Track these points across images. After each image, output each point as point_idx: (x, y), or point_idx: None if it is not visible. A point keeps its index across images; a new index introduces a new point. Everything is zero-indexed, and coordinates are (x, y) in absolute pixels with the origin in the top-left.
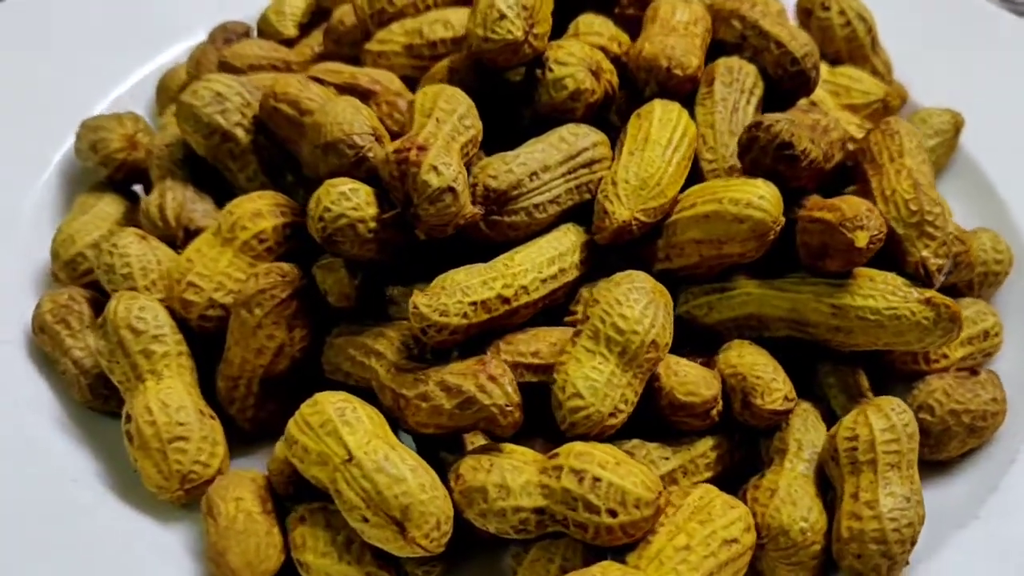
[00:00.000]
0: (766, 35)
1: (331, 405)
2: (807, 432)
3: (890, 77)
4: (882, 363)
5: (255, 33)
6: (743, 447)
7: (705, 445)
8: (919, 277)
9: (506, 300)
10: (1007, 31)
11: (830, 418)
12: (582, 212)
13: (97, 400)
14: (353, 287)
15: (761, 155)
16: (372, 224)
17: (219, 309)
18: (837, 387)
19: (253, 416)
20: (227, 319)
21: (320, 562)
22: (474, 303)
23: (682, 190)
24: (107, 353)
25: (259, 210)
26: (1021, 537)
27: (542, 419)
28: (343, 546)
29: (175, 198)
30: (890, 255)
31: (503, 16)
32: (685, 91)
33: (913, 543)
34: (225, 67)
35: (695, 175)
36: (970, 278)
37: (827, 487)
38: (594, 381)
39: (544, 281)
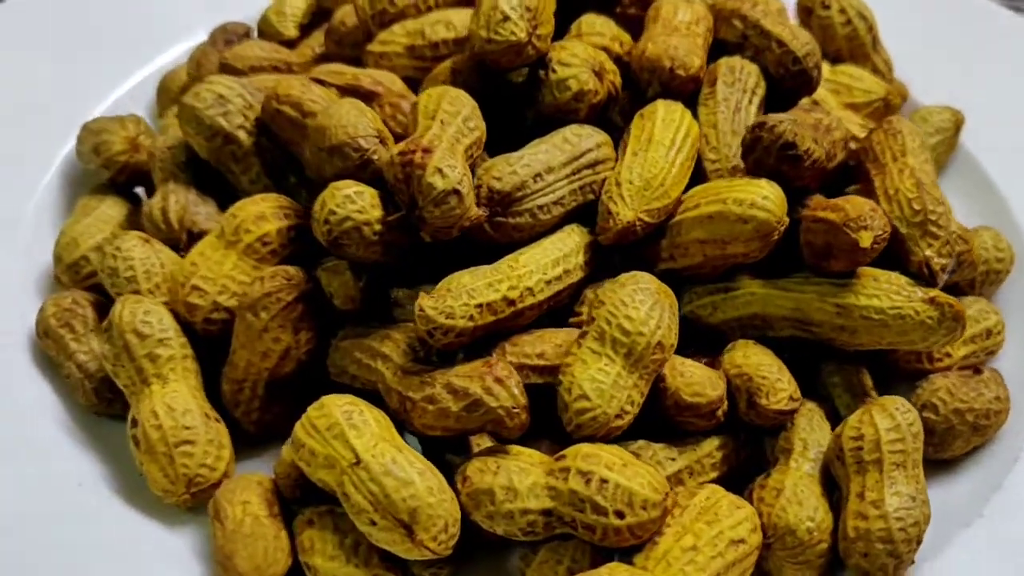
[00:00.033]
0: (767, 35)
1: (338, 408)
2: (812, 432)
3: (891, 75)
4: (885, 362)
5: (255, 34)
6: (748, 447)
7: (711, 445)
8: (923, 276)
9: (511, 302)
10: (1007, 28)
11: (834, 417)
12: (585, 213)
13: (102, 404)
14: (358, 289)
15: (764, 155)
16: (377, 227)
17: (224, 312)
18: (841, 386)
19: (258, 419)
20: (232, 322)
21: (328, 565)
22: (480, 305)
23: (685, 190)
24: (112, 357)
25: (263, 213)
26: None
27: (548, 420)
28: (351, 549)
29: (178, 201)
30: (893, 254)
31: (506, 18)
32: (688, 91)
33: (919, 542)
34: (226, 68)
35: (698, 175)
36: (972, 277)
37: (832, 486)
38: (600, 383)
39: (549, 283)
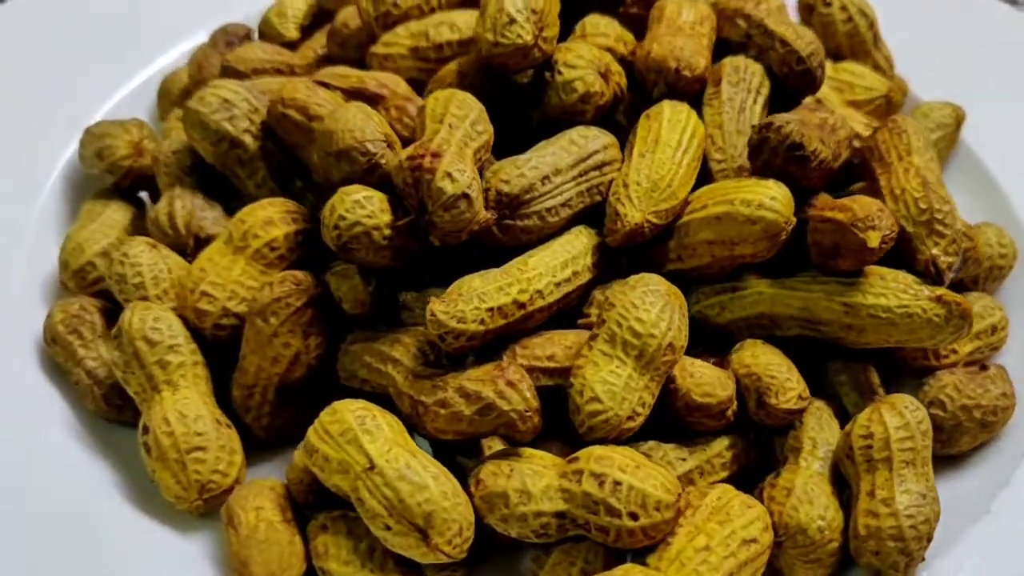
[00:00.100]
0: (771, 34)
1: (351, 414)
2: (821, 430)
3: (892, 72)
4: (892, 359)
5: (256, 34)
6: (758, 446)
7: (720, 445)
8: (929, 275)
9: (522, 305)
10: (1006, 24)
11: (842, 415)
12: (592, 214)
13: (111, 410)
14: (368, 293)
15: (772, 156)
16: (387, 231)
17: (233, 318)
18: (848, 384)
19: (269, 424)
20: (241, 328)
21: (343, 570)
22: (491, 309)
23: (692, 191)
24: (122, 364)
25: (270, 218)
26: None
27: (559, 422)
28: (366, 554)
29: (184, 206)
30: (900, 253)
31: (513, 20)
32: (693, 91)
33: (929, 539)
34: (228, 71)
35: (704, 175)
36: (976, 273)
37: (842, 485)
38: (612, 385)
39: (558, 285)
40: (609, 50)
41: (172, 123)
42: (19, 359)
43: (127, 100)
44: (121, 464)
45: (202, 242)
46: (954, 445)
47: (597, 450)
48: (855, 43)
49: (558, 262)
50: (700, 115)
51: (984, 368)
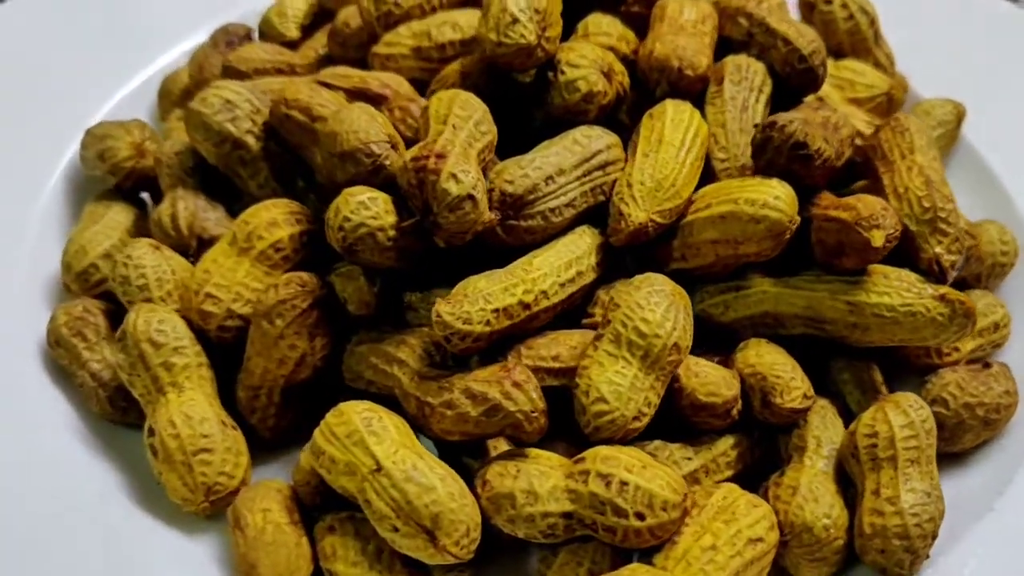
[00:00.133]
0: (773, 32)
1: (357, 415)
2: (825, 429)
3: (892, 69)
4: (895, 357)
5: (256, 34)
6: (762, 445)
7: (725, 444)
8: (932, 273)
9: (527, 306)
10: (1007, 20)
11: (846, 414)
12: (596, 214)
13: (116, 412)
14: (372, 294)
15: (776, 155)
16: (391, 232)
17: (238, 320)
18: (852, 383)
19: (274, 425)
20: (246, 329)
21: (351, 571)
22: (496, 310)
23: (695, 190)
24: (127, 367)
25: (274, 219)
26: None
27: (564, 422)
28: (374, 555)
29: (187, 207)
30: (903, 252)
31: (516, 20)
32: (696, 90)
33: (934, 537)
34: (229, 72)
35: (707, 174)
36: (979, 271)
37: (846, 483)
38: (618, 385)
39: (563, 285)
40: (611, 49)
41: (173, 123)
42: (22, 361)
43: (127, 100)
44: (126, 466)
45: (205, 243)
46: (957, 443)
47: (603, 450)
48: (856, 40)
49: (562, 262)
50: (702, 113)
51: (987, 366)
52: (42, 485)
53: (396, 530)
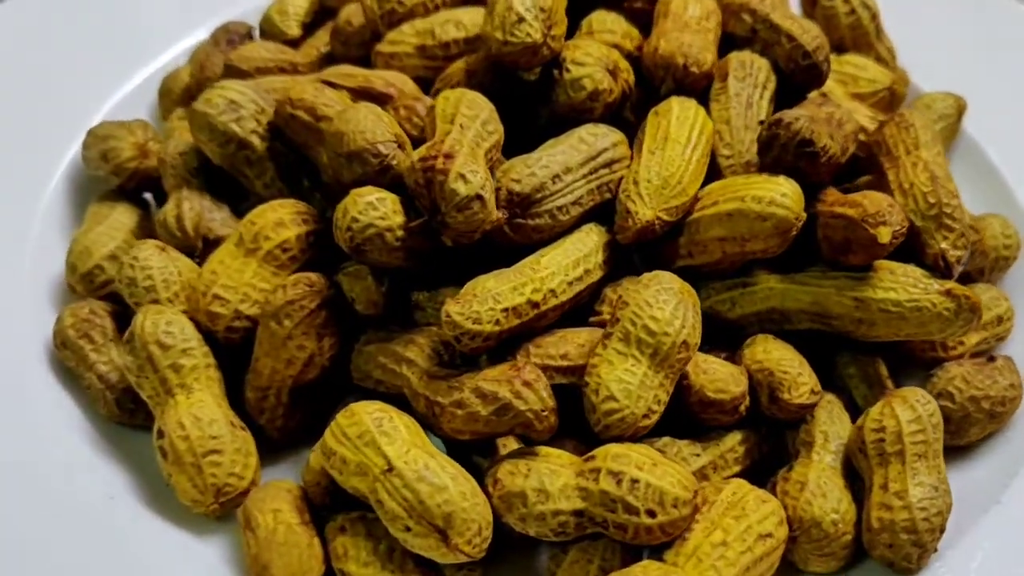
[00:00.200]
0: (777, 29)
1: (368, 416)
2: (832, 424)
3: (894, 64)
4: (900, 351)
5: (257, 32)
6: (769, 440)
7: (733, 440)
8: (938, 269)
9: (535, 305)
10: (1007, 14)
11: (852, 408)
12: (602, 212)
13: (124, 414)
14: (380, 294)
15: (782, 152)
16: (399, 232)
17: (245, 320)
18: (858, 377)
19: (283, 425)
20: (253, 330)
21: (363, 571)
22: (506, 309)
23: (701, 187)
24: (135, 369)
25: (281, 219)
26: None
27: (573, 420)
28: (385, 555)
29: (192, 208)
30: (908, 247)
31: (521, 19)
32: (701, 87)
33: (942, 531)
34: (231, 71)
35: (712, 171)
36: (982, 265)
37: (854, 477)
38: (627, 383)
39: (571, 283)
40: (616, 47)
41: (174, 123)
42: (28, 363)
43: (128, 99)
44: (135, 468)
45: (211, 244)
46: (963, 436)
47: (614, 448)
48: (858, 35)
49: (570, 260)
50: (707, 110)
51: (992, 359)
52: (50, 488)
53: (408, 530)
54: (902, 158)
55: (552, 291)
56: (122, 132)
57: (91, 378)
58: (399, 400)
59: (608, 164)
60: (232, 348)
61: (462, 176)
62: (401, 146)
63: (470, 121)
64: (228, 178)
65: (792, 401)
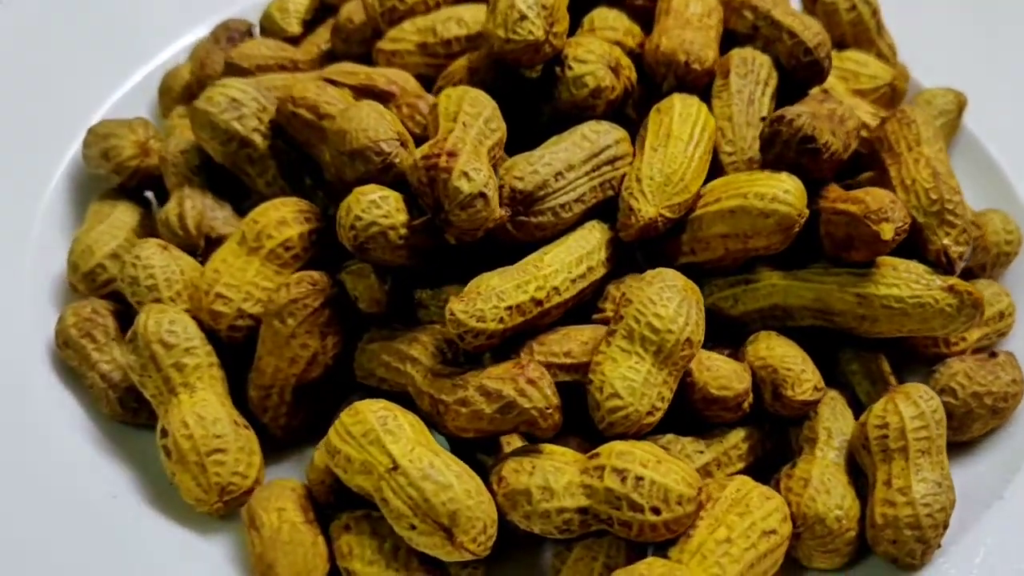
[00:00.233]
0: (778, 25)
1: (372, 414)
2: (835, 420)
3: (895, 59)
4: (902, 347)
5: (257, 29)
6: (773, 437)
7: (737, 437)
8: (940, 265)
9: (539, 302)
10: (1008, 8)
11: (855, 404)
12: (604, 209)
13: (127, 413)
14: (384, 292)
15: (784, 149)
16: (403, 231)
17: (248, 319)
18: (860, 373)
19: (286, 424)
20: (256, 329)
21: (368, 570)
22: (509, 307)
23: (703, 184)
24: (138, 368)
25: (284, 218)
26: None
27: (577, 418)
28: (390, 553)
29: (194, 206)
30: (911, 243)
31: (524, 17)
32: (703, 84)
33: (945, 527)
34: (232, 68)
35: (714, 168)
36: (984, 261)
37: (858, 474)
38: (631, 381)
39: (574, 281)
40: (618, 44)
41: (175, 120)
42: (30, 362)
43: (128, 97)
44: (138, 467)
45: (213, 242)
46: (965, 432)
47: (618, 445)
48: (858, 31)
49: (573, 258)
50: (709, 107)
51: (993, 355)
52: (53, 487)
53: (413, 528)
54: (904, 154)
55: (555, 288)
56: (123, 130)
57: (93, 377)
58: (403, 398)
59: (611, 161)
60: (235, 347)
61: (465, 174)
62: (404, 144)
63: (473, 119)
64: (230, 176)
65: (795, 398)
